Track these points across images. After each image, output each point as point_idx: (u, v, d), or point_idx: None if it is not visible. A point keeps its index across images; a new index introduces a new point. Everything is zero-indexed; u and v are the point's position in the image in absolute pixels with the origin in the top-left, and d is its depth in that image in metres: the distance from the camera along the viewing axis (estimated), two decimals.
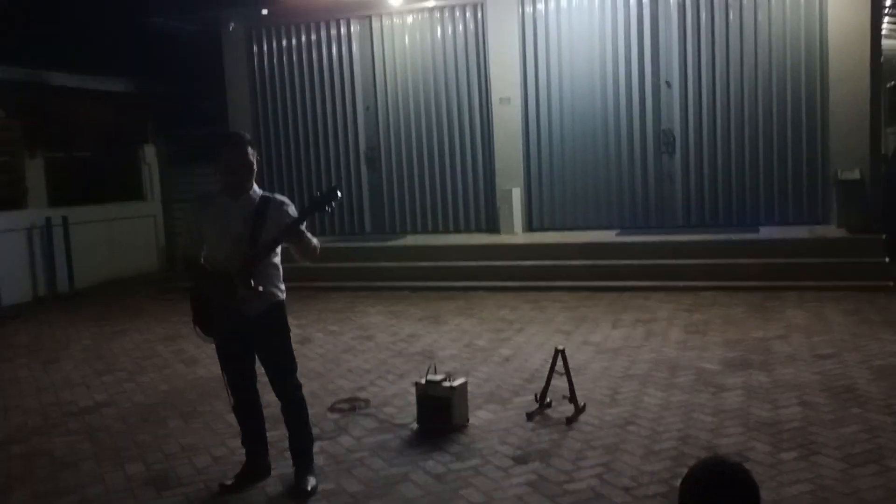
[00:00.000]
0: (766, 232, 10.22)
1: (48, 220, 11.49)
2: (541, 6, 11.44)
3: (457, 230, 12.16)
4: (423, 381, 5.19)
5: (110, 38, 13.46)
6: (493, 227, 11.80)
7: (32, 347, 8.40)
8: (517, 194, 11.48)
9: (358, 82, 12.53)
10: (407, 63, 12.20)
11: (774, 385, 5.61)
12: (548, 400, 5.35)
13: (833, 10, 10.04)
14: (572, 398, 5.22)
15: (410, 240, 11.85)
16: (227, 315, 4.18)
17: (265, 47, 12.98)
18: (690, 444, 4.61)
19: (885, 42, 11.43)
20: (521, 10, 11.48)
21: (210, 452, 5.00)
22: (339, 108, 12.67)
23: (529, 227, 11.74)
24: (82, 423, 5.71)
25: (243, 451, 4.56)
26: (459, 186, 12.13)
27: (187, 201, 12.63)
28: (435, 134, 12.15)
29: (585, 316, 8.29)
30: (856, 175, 9.88)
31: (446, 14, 11.93)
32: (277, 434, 4.72)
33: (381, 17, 12.23)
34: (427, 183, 12.29)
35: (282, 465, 4.58)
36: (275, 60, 12.95)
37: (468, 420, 5.21)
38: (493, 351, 7.09)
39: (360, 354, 7.29)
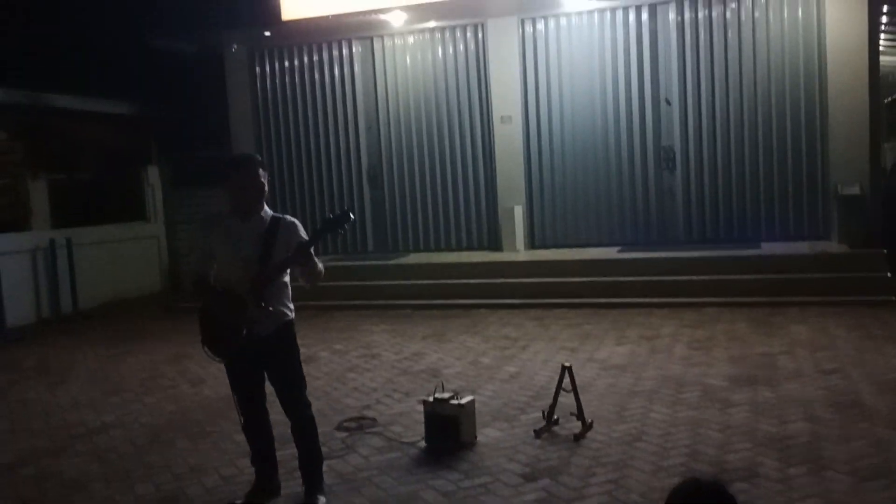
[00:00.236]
0: (768, 247, 10.27)
1: (52, 241, 11.52)
2: (540, 26, 11.56)
3: (459, 248, 12.21)
4: (430, 399, 5.21)
5: (113, 61, 13.57)
6: (495, 245, 11.85)
7: (38, 369, 8.41)
8: (519, 212, 11.54)
9: (360, 102, 12.62)
10: (408, 83, 12.30)
11: (780, 400, 5.63)
12: (555, 417, 5.37)
13: (831, 27, 10.14)
14: (580, 415, 5.24)
15: (413, 258, 11.90)
16: (237, 335, 4.20)
17: (267, 68, 13.08)
18: (699, 460, 4.63)
19: (882, 58, 11.54)
20: (521, 30, 11.59)
21: (219, 472, 5.01)
22: (341, 128, 12.75)
23: (532, 244, 11.79)
24: (90, 445, 5.71)
25: (253, 470, 4.58)
26: (461, 204, 12.19)
27: (190, 222, 12.72)
28: (437, 153, 12.23)
29: (589, 333, 8.31)
30: (856, 190, 9.94)
31: (447, 34, 12.05)
32: (287, 453, 4.73)
33: (382, 37, 12.34)
34: (429, 201, 12.35)
35: (291, 484, 4.59)
36: (277, 81, 13.05)
37: (476, 438, 5.23)
38: (498, 368, 7.11)
39: (365, 373, 7.31)
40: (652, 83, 11.11)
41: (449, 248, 12.27)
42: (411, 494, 4.45)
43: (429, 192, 12.35)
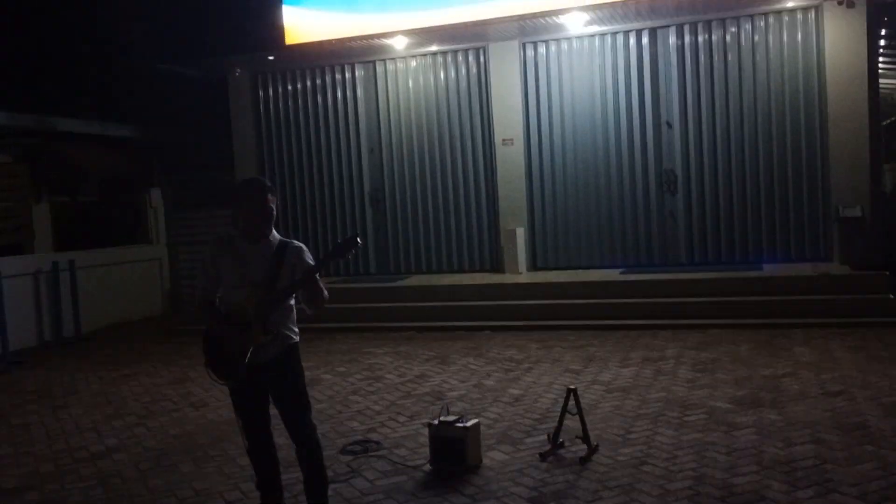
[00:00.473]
0: (769, 269, 10.28)
1: (55, 264, 11.53)
2: (542, 49, 11.65)
3: (461, 270, 12.23)
4: (436, 422, 5.20)
5: (116, 84, 13.67)
6: (497, 267, 11.87)
7: (41, 393, 8.38)
8: (521, 234, 11.57)
9: (362, 125, 12.69)
10: (411, 106, 12.37)
11: (786, 423, 5.62)
12: (561, 440, 5.35)
13: (830, 50, 10.23)
14: (585, 438, 5.22)
15: (415, 280, 11.90)
16: (241, 359, 4.19)
17: (270, 92, 13.17)
18: (706, 484, 4.61)
19: (881, 80, 11.63)
20: (522, 54, 11.68)
21: (224, 497, 4.99)
22: (343, 151, 12.82)
23: (534, 266, 11.82)
24: (94, 469, 5.69)
25: (258, 494, 4.54)
26: (463, 226, 12.22)
27: (193, 245, 12.72)
28: (439, 175, 12.28)
29: (593, 355, 8.30)
30: (857, 212, 9.98)
31: (449, 58, 12.14)
32: (292, 477, 4.71)
33: (384, 61, 12.44)
34: (431, 223, 12.38)
35: None
36: (280, 104, 13.13)
37: (481, 461, 5.21)
38: (502, 391, 7.09)
39: (369, 395, 7.29)
40: (652, 106, 11.19)
41: (451, 270, 12.29)
42: None
43: (431, 214, 12.38)
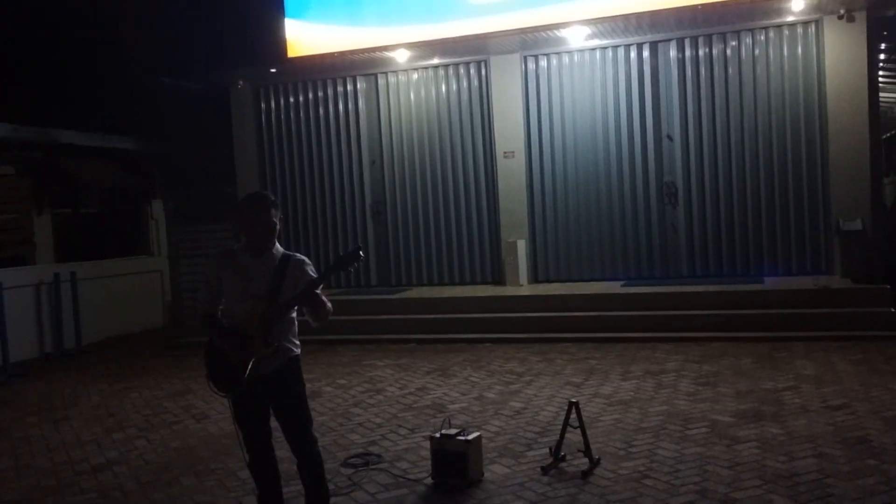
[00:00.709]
0: (771, 282, 10.28)
1: (56, 275, 11.54)
2: (543, 62, 11.70)
3: (462, 282, 12.23)
4: (437, 435, 5.19)
5: (119, 97, 13.71)
6: (498, 279, 11.87)
7: (41, 405, 8.37)
8: (522, 246, 11.58)
9: (364, 137, 12.73)
10: (412, 118, 12.41)
11: (788, 436, 5.61)
12: (562, 453, 5.34)
13: (830, 63, 10.27)
14: (587, 451, 5.22)
15: (416, 292, 11.90)
16: (243, 372, 4.20)
17: (272, 104, 13.22)
18: (708, 498, 4.60)
19: (881, 94, 11.66)
20: (523, 67, 11.73)
21: None
22: (345, 163, 12.85)
23: (535, 278, 11.82)
24: (95, 483, 5.68)
25: None
26: (465, 239, 12.24)
27: (194, 257, 12.73)
28: (440, 187, 12.31)
29: (594, 368, 8.29)
30: (857, 225, 9.99)
31: (450, 71, 12.19)
32: (293, 490, 4.70)
33: (386, 74, 12.49)
34: (432, 235, 12.40)
35: None
36: (282, 117, 13.17)
37: (483, 474, 5.20)
38: (503, 403, 7.08)
39: (370, 408, 7.28)
40: (653, 119, 11.22)
41: (452, 283, 12.30)
42: None
43: (432, 227, 12.40)
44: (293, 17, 11.67)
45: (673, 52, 11.09)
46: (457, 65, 12.13)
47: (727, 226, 10.98)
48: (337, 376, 8.76)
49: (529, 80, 11.78)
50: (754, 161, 10.82)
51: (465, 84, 12.15)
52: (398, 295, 11.74)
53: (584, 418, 5.36)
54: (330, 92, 12.89)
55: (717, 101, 10.96)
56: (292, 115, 13.12)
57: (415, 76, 12.38)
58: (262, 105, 13.25)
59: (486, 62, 11.91)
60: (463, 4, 10.91)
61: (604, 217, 11.52)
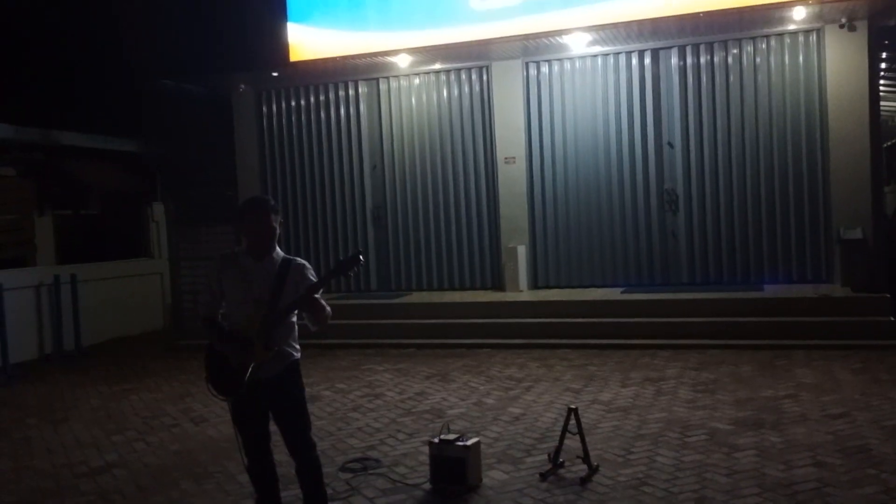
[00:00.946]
0: (771, 290, 10.28)
1: (57, 277, 11.54)
2: (545, 69, 11.72)
3: (462, 288, 12.23)
4: (436, 441, 5.19)
5: (121, 99, 13.74)
6: (498, 285, 11.88)
7: (41, 407, 8.37)
8: (522, 252, 11.58)
9: (365, 142, 12.75)
10: (413, 123, 12.43)
11: (787, 445, 5.61)
12: (561, 460, 5.34)
13: (831, 72, 10.28)
14: (586, 458, 5.22)
15: (416, 297, 11.90)
16: (243, 376, 4.20)
17: (274, 108, 13.23)
18: None
19: (882, 103, 11.67)
20: (525, 73, 11.75)
21: None
22: (346, 168, 12.86)
23: (535, 284, 11.82)
24: (94, 485, 5.68)
25: None
26: (465, 244, 12.24)
27: (194, 259, 12.73)
28: (441, 193, 12.32)
29: (593, 374, 8.29)
30: (858, 234, 9.99)
31: (452, 76, 12.20)
32: (291, 494, 4.70)
33: (388, 78, 12.50)
34: (433, 241, 12.41)
35: None
36: (283, 121, 13.19)
37: (482, 480, 5.20)
38: (502, 409, 7.08)
39: (368, 413, 7.28)
40: (654, 126, 11.24)
41: (452, 288, 12.29)
42: None
43: (432, 232, 12.41)
44: (296, 21, 11.69)
45: (674, 60, 11.11)
46: (458, 70, 12.15)
47: (727, 233, 10.99)
48: (336, 380, 8.76)
49: (531, 86, 11.80)
50: (755, 168, 10.83)
51: (466, 89, 12.16)
52: (398, 300, 11.75)
53: (582, 425, 5.36)
54: (332, 96, 12.91)
55: (719, 108, 10.97)
56: (294, 118, 13.14)
57: (416, 81, 12.40)
58: (264, 108, 13.27)
59: (487, 68, 11.93)
60: (465, 10, 10.93)
61: (604, 223, 11.52)
